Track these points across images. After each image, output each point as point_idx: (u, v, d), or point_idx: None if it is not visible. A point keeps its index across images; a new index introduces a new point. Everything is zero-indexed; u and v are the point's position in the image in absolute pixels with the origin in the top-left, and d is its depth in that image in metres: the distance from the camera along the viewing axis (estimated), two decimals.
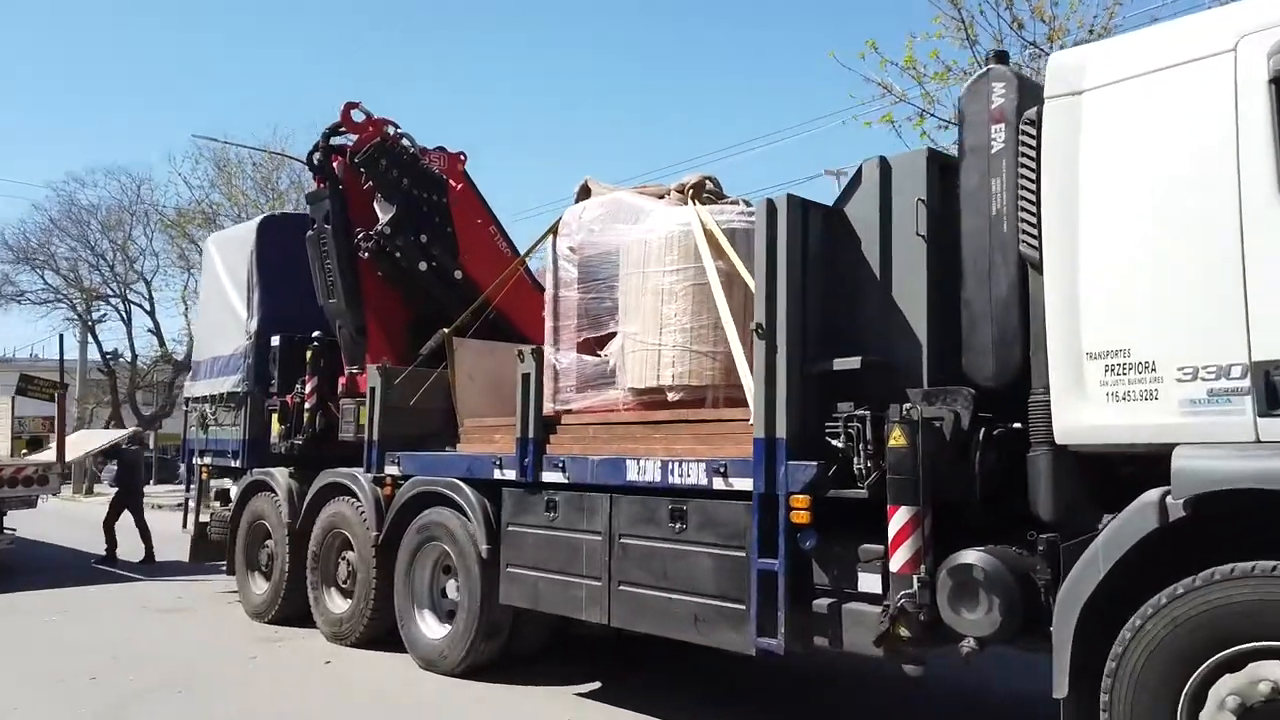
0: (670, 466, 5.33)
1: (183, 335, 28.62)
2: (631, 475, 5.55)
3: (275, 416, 9.13)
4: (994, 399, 4.36)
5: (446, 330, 7.90)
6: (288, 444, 8.90)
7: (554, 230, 7.63)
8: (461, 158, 9.20)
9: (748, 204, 6.69)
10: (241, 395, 9.58)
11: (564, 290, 7.47)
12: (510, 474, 6.40)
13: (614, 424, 5.86)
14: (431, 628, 7.11)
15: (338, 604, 8.13)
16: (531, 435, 6.23)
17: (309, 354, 8.83)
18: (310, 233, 8.96)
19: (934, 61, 11.02)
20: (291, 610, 8.79)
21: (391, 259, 8.47)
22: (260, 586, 9.23)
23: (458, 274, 8.63)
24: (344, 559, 8.10)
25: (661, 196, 7.26)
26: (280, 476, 8.94)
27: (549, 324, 7.55)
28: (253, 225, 9.97)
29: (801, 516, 4.59)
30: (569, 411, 7.05)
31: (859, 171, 5.01)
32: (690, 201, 6.86)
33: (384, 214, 8.46)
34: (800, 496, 4.60)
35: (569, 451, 6.03)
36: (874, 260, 4.85)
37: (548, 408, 7.38)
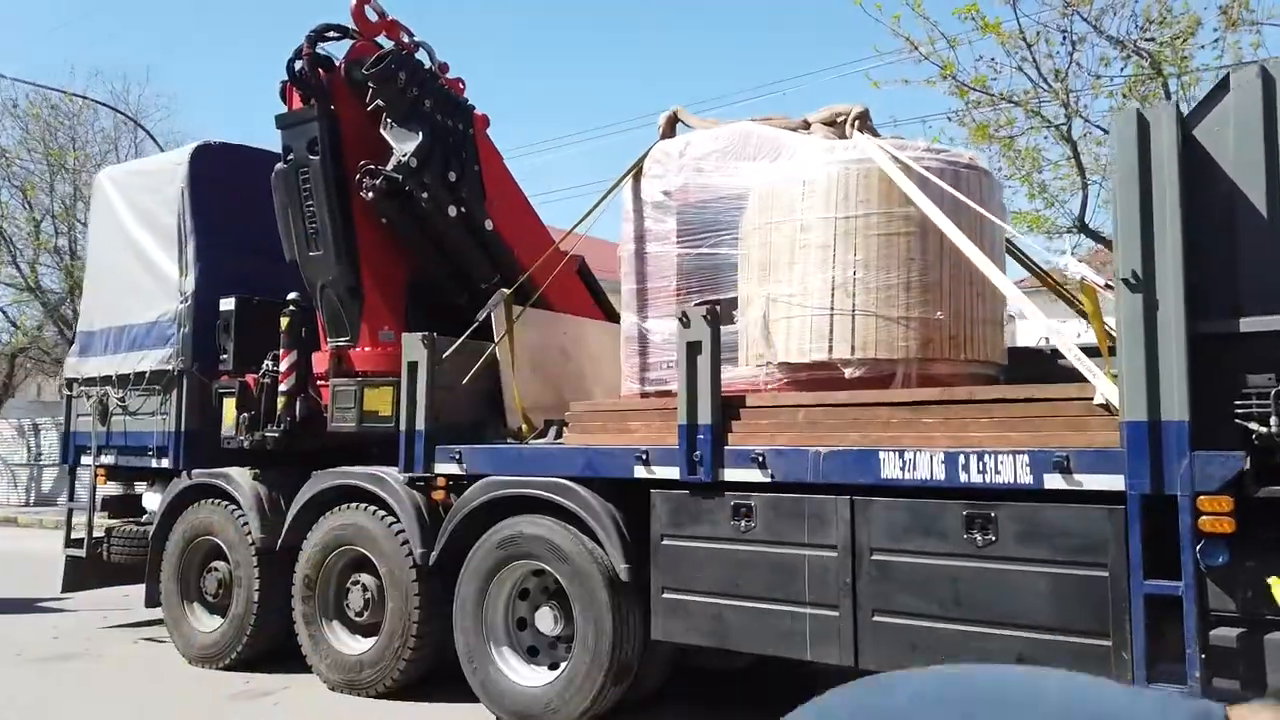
0: (963, 461, 4.10)
1: None
2: (889, 472, 4.27)
3: (230, 402, 7.07)
4: None
5: (507, 292, 6.28)
6: (252, 437, 6.89)
7: (635, 172, 6.17)
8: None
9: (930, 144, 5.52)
10: (172, 375, 7.40)
11: (653, 245, 6.06)
12: (666, 472, 4.94)
13: (845, 406, 4.55)
14: (519, 671, 5.51)
15: (350, 644, 6.30)
16: (708, 421, 4.80)
17: (285, 321, 6.86)
18: (282, 166, 6.97)
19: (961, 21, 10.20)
20: (259, 651, 6.84)
21: (404, 201, 6.68)
22: (208, 622, 7.14)
23: (488, 225, 6.95)
24: (357, 584, 6.28)
25: (795, 130, 5.99)
26: (241, 479, 6.92)
27: (629, 286, 6.12)
28: (181, 156, 7.71)
29: (1221, 524, 3.50)
30: (669, 393, 5.71)
31: (1223, 83, 3.96)
32: (854, 133, 5.64)
33: (400, 143, 6.65)
34: (1218, 498, 3.52)
35: (767, 442, 4.66)
36: (1256, 191, 3.82)
37: (627, 388, 5.97)
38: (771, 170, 5.66)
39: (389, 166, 6.63)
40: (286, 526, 6.55)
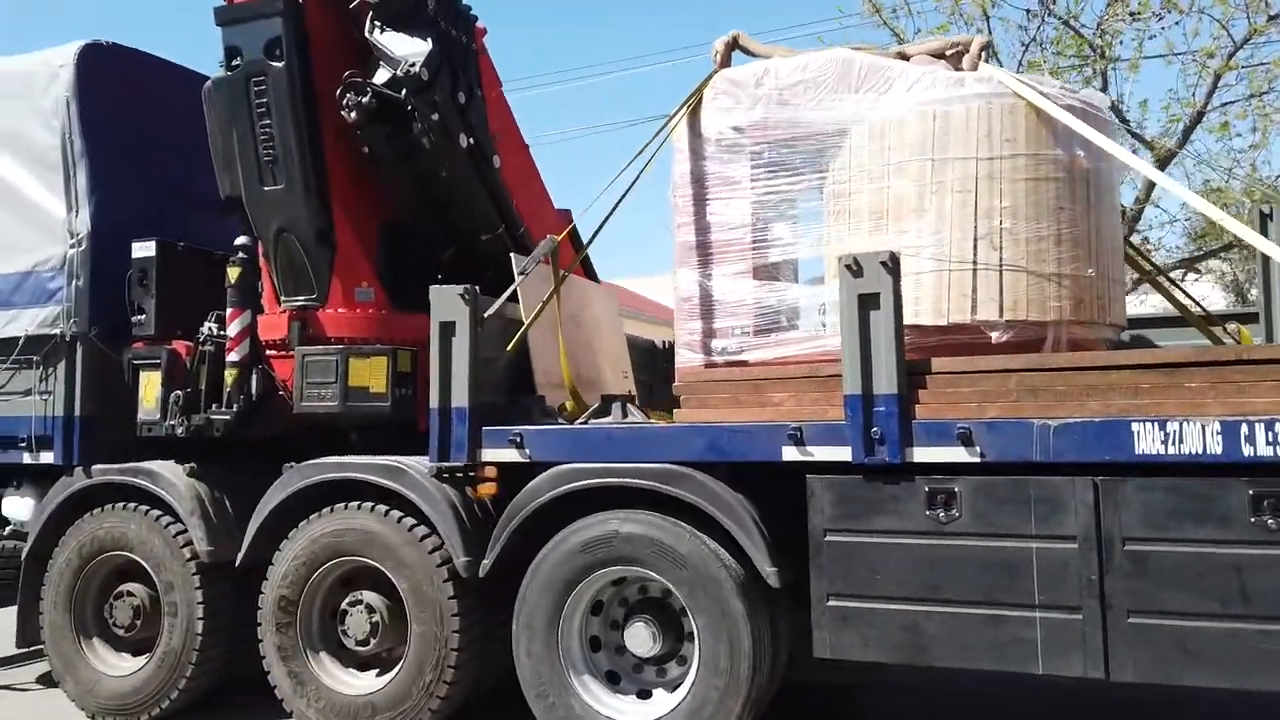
0: (1246, 431, 3.49)
1: None
2: (1146, 447, 3.61)
3: (151, 377, 5.44)
4: None
5: (556, 239, 5.14)
6: (188, 422, 5.31)
7: (694, 104, 5.24)
8: None
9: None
10: (57, 342, 5.62)
11: (719, 189, 5.20)
12: (830, 452, 4.05)
13: (1075, 370, 3.83)
14: (609, 703, 4.44)
15: (351, 681, 4.94)
16: (890, 390, 3.94)
17: (235, 273, 5.33)
18: (223, 75, 5.44)
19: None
20: (197, 696, 5.33)
21: (396, 126, 5.36)
22: (119, 664, 5.50)
23: (496, 162, 5.73)
24: (358, 605, 4.93)
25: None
26: (173, 477, 5.34)
27: (685, 239, 5.22)
28: (60, 56, 5.81)
29: None
30: (744, 364, 4.89)
31: None
32: (982, 65, 4.96)
33: (398, 50, 5.30)
34: None
35: (972, 414, 3.88)
36: None
37: (686, 359, 5.08)
38: (887, 102, 4.88)
39: (379, 80, 5.28)
40: (251, 536, 5.07)
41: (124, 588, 5.48)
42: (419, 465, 4.83)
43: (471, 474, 4.73)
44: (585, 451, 4.50)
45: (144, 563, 5.36)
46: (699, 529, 4.27)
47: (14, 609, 6.02)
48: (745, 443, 4.20)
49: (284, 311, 5.54)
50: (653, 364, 7.16)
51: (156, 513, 5.34)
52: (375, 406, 5.19)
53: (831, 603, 4.03)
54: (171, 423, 5.31)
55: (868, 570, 3.97)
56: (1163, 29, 9.79)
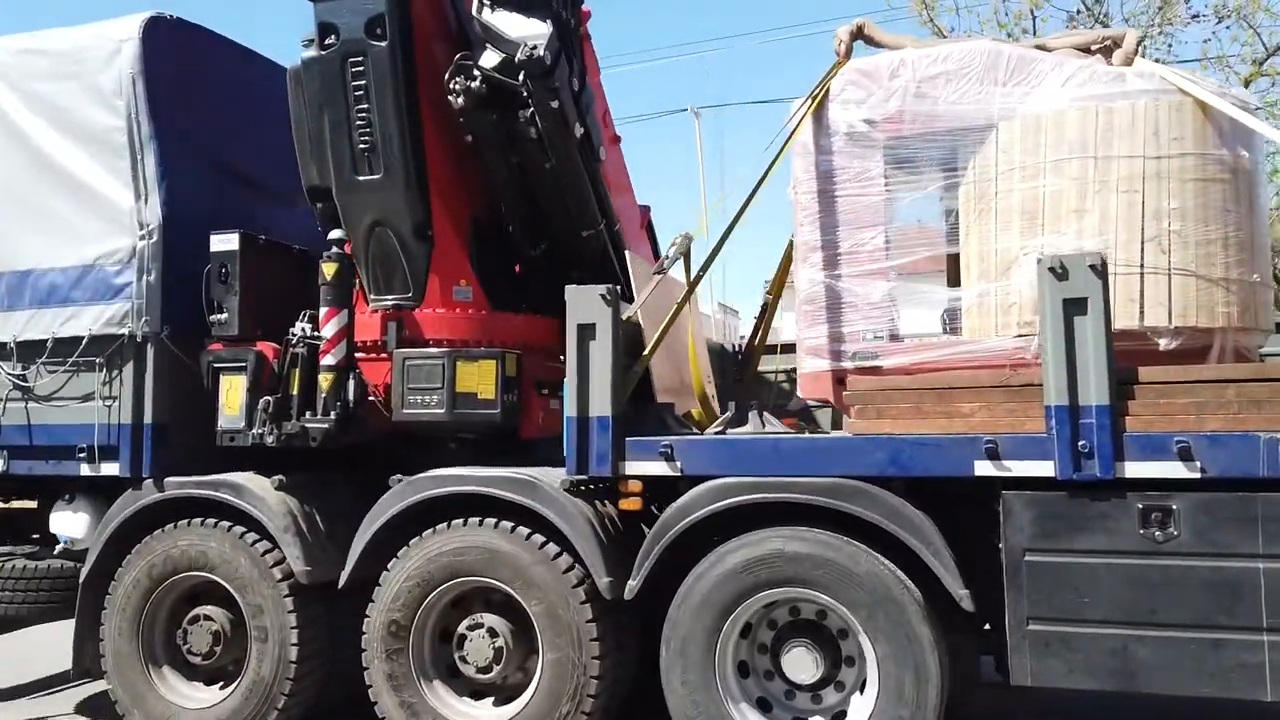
0: None
1: None
2: None
3: (233, 381, 4.99)
4: None
5: (691, 235, 4.83)
6: (280, 431, 4.87)
7: (820, 97, 4.97)
8: None
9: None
10: (124, 342, 5.13)
11: (848, 186, 4.96)
12: (1029, 467, 3.80)
13: None
14: None
15: (473, 712, 4.56)
16: (1101, 401, 3.71)
17: (331, 269, 4.90)
18: (314, 55, 5.01)
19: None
20: None
21: (503, 112, 5.00)
22: (196, 695, 5.04)
23: (602, 153, 5.40)
24: (478, 629, 4.55)
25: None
26: (261, 490, 4.89)
27: (809, 238, 4.96)
28: (124, 29, 5.26)
29: None
30: (877, 370, 4.67)
31: None
32: (1140, 61, 4.77)
33: (513, 31, 4.93)
34: None
35: (1190, 427, 3.66)
36: None
37: (810, 365, 4.84)
38: (1039, 96, 4.67)
39: (488, 64, 4.92)
40: (358, 554, 4.66)
41: (200, 611, 5.01)
42: (550, 477, 4.47)
43: (608, 487, 4.39)
44: (746, 465, 4.19)
45: (226, 584, 4.90)
46: (872, 548, 4.00)
47: (47, 629, 5.56)
48: (932, 456, 3.94)
49: (375, 311, 5.14)
50: (721, 368, 6.87)
51: (241, 529, 4.89)
52: (485, 414, 4.82)
53: (1032, 626, 3.78)
54: (260, 431, 4.87)
55: (1073, 592, 3.74)
56: (1213, 33, 9.73)
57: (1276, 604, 3.51)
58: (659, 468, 4.27)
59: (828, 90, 5.05)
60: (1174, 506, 3.64)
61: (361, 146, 4.96)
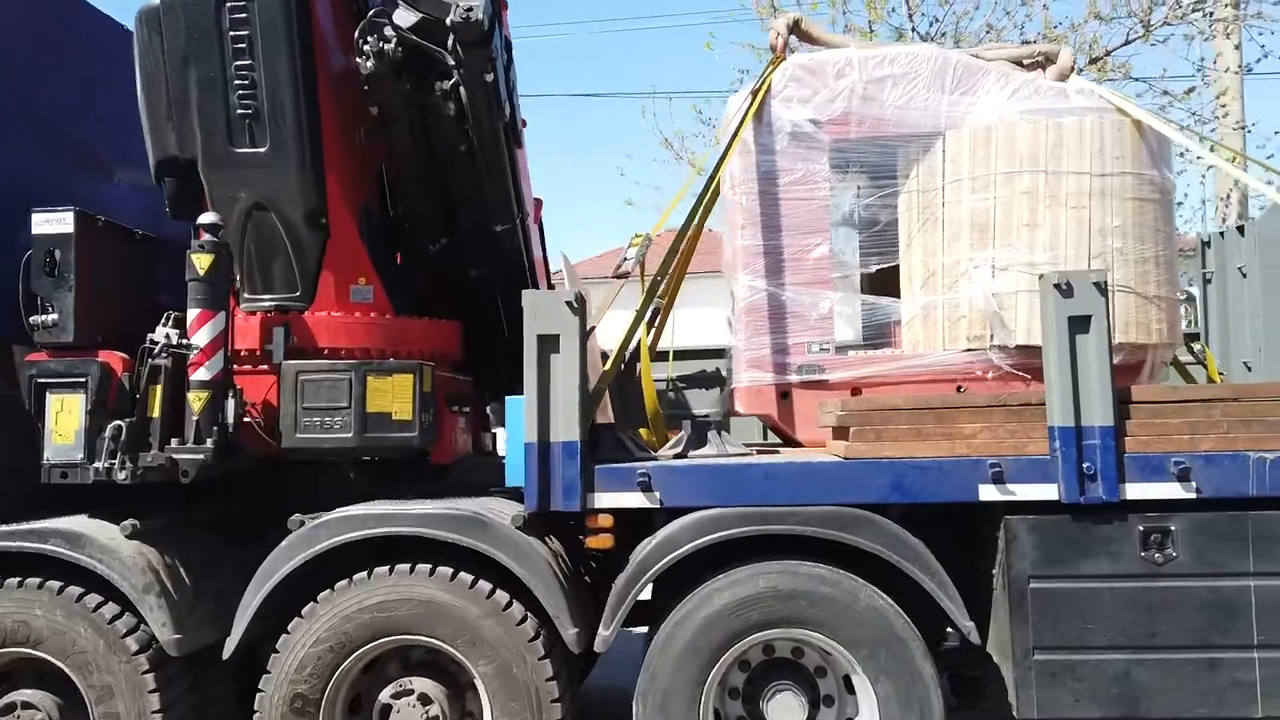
0: None
1: None
2: None
3: (64, 402, 3.90)
4: None
5: (651, 235, 4.36)
6: (132, 464, 3.85)
7: (761, 94, 4.73)
8: None
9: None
10: None
11: (792, 189, 4.83)
12: (1034, 491, 3.67)
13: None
14: None
15: None
16: (1104, 422, 3.63)
17: (206, 261, 3.94)
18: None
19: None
20: None
21: (417, 83, 4.29)
22: None
23: (524, 137, 4.79)
24: (405, 697, 3.81)
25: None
26: (107, 539, 3.85)
27: (749, 242, 4.76)
28: None
29: None
30: (823, 384, 4.56)
31: None
32: (1076, 79, 4.84)
33: None
34: None
35: (1185, 447, 3.66)
36: None
37: (749, 379, 4.63)
38: (985, 106, 4.63)
39: (404, 23, 4.18)
40: (250, 615, 3.77)
41: (15, 698, 3.88)
42: (497, 513, 3.84)
43: (572, 523, 3.83)
44: (733, 493, 3.77)
45: (59, 662, 3.82)
46: (872, 581, 3.73)
47: None
48: (936, 481, 3.71)
49: (252, 313, 4.24)
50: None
51: (78, 589, 3.83)
52: (400, 437, 4.09)
53: (1038, 656, 3.66)
54: (105, 465, 3.83)
55: (1078, 619, 3.65)
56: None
57: (1267, 622, 3.60)
58: (635, 499, 3.77)
59: (769, 86, 4.75)
60: (1172, 528, 3.64)
61: (241, 112, 4.05)
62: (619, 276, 4.18)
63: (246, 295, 4.26)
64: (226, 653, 3.79)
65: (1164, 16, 9.33)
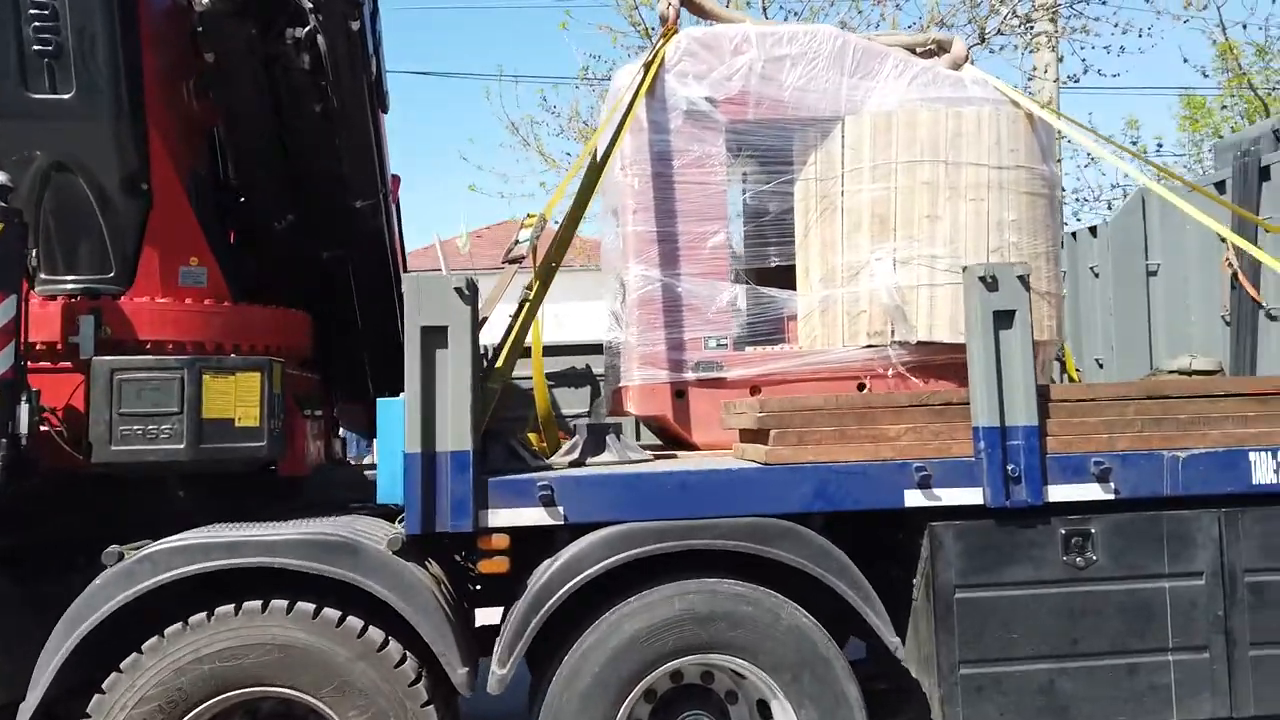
0: None
1: None
2: (1263, 477, 3.59)
3: None
4: None
5: (545, 216, 3.87)
6: None
7: (654, 67, 4.40)
8: None
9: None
10: None
11: (687, 171, 4.56)
12: (959, 495, 3.46)
13: (1189, 399, 3.65)
14: None
15: None
16: (1028, 421, 3.46)
17: None
18: None
19: None
20: None
21: (263, 31, 3.64)
22: None
23: (389, 105, 4.18)
24: None
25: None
26: None
27: (640, 228, 4.47)
28: None
29: None
30: (720, 381, 4.33)
31: None
32: (969, 69, 4.74)
33: None
34: None
35: (1104, 447, 3.55)
36: None
37: (642, 376, 4.34)
38: (884, 92, 4.45)
39: None
40: (55, 669, 3.02)
41: None
42: (369, 535, 3.26)
43: (462, 545, 3.31)
44: (646, 506, 3.35)
45: None
46: (793, 598, 3.42)
47: None
48: (861, 487, 3.44)
49: (52, 298, 3.45)
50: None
51: None
52: (245, 447, 3.43)
53: (964, 671, 3.46)
54: None
55: (1003, 629, 3.48)
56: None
57: (1181, 624, 3.55)
58: (536, 515, 3.28)
59: (661, 59, 4.38)
60: (1092, 530, 3.53)
61: (39, 48, 3.28)
62: (511, 261, 3.67)
63: (44, 275, 3.47)
64: (25, 715, 3.02)
65: (998, 26, 9.68)
